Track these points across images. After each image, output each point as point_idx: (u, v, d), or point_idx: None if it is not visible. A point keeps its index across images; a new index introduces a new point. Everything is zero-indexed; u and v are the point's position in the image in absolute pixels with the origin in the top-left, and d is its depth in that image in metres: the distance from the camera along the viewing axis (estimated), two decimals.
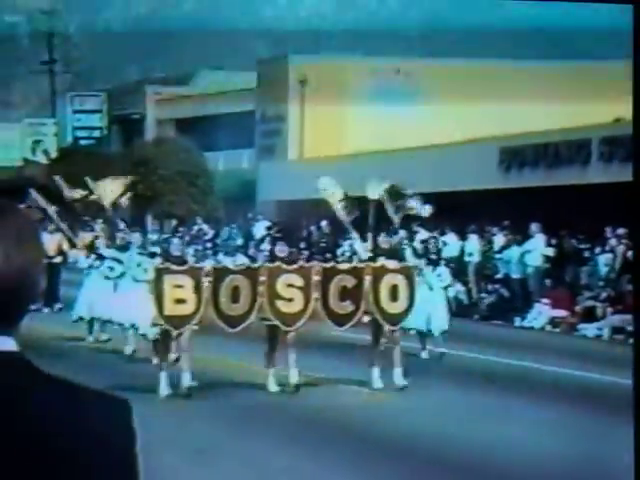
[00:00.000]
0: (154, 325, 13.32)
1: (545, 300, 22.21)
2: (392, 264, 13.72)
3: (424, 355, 16.24)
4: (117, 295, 16.16)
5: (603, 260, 21.89)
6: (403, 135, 33.61)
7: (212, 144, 40.05)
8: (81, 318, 17.53)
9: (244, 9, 73.41)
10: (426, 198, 27.70)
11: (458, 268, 23.02)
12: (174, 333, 12.92)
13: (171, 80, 47.44)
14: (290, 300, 13.16)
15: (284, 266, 13.25)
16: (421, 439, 10.87)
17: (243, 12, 73.47)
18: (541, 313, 22.00)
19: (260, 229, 29.13)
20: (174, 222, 34.28)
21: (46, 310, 21.93)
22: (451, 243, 23.59)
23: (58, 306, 22.51)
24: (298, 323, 13.20)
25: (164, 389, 12.91)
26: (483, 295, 23.85)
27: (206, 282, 12.91)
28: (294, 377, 13.16)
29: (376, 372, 13.46)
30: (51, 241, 22.59)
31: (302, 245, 27.08)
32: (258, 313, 13.14)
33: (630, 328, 19.38)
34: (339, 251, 24.79)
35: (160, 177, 36.90)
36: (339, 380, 13.75)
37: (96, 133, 47.23)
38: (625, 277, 20.34)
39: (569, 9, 68.56)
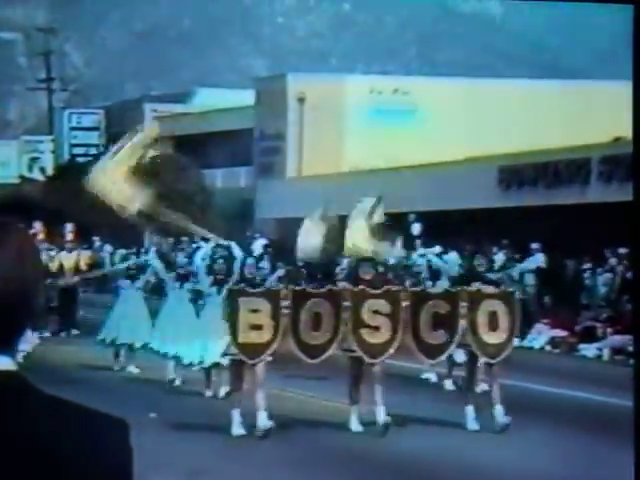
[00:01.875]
0: (225, 355, 12.15)
1: (545, 320, 22.08)
2: (490, 289, 12.40)
3: (448, 386, 15.16)
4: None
5: (603, 280, 21.77)
6: (401, 153, 33.56)
7: (210, 162, 39.99)
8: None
9: (243, 28, 73.55)
10: (424, 216, 27.63)
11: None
12: (248, 363, 11.57)
13: (169, 97, 47.44)
14: (376, 329, 11.87)
15: (369, 290, 11.95)
16: None
17: (242, 31, 73.61)
18: (541, 333, 21.86)
19: (258, 247, 29.02)
20: (171, 240, 34.13)
21: (63, 334, 20.75)
22: (452, 261, 23.47)
23: (74, 332, 20.94)
24: (385, 355, 11.92)
25: (237, 428, 11.60)
26: None
27: (284, 306, 11.67)
28: (382, 415, 11.74)
29: (471, 412, 12.18)
30: (68, 259, 21.56)
31: (300, 264, 26.96)
32: (341, 343, 11.88)
33: (631, 349, 19.26)
34: (337, 269, 24.67)
35: (157, 195, 36.77)
36: (430, 420, 12.40)
37: (93, 150, 47.17)
38: (625, 297, 20.22)
39: (568, 29, 68.69)
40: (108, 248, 30.85)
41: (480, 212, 26.48)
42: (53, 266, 21.24)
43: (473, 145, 32.14)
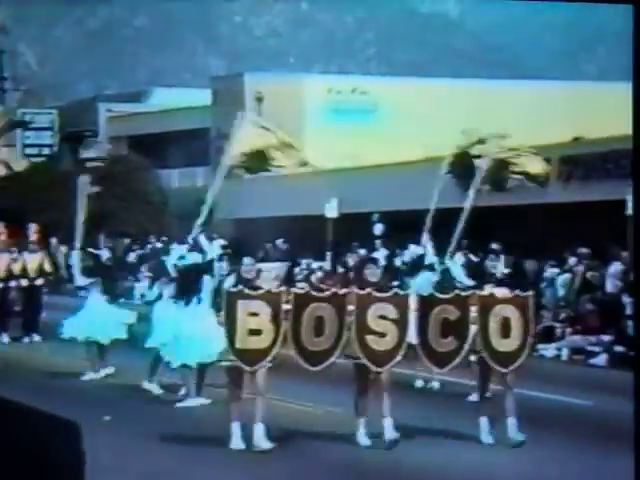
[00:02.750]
0: (222, 361, 11.33)
1: None
2: (502, 293, 11.80)
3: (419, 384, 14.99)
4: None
5: (561, 280, 21.79)
6: (360, 153, 33.51)
7: (166, 162, 39.72)
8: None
9: (199, 26, 73.21)
10: (384, 217, 27.51)
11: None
12: (247, 370, 10.94)
13: (124, 97, 47.09)
14: (382, 335, 11.22)
15: (375, 294, 11.26)
16: None
17: (198, 29, 73.28)
18: None
19: (216, 248, 28.78)
20: (127, 241, 33.83)
21: (26, 339, 20.13)
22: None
23: (37, 338, 20.14)
24: (391, 363, 11.30)
25: (237, 442, 10.88)
26: None
27: (285, 310, 11.00)
28: (390, 430, 11.14)
29: (485, 424, 11.53)
30: (32, 260, 20.97)
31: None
32: (344, 349, 11.23)
33: (589, 348, 19.31)
34: (296, 269, 24.49)
35: (113, 195, 36.45)
36: (441, 433, 11.82)
37: (46, 150, 46.69)
38: (585, 297, 20.26)
39: (526, 28, 69.09)
40: (62, 249, 30.46)
41: (440, 212, 26.38)
42: (16, 268, 20.86)
43: (432, 145, 32.12)
